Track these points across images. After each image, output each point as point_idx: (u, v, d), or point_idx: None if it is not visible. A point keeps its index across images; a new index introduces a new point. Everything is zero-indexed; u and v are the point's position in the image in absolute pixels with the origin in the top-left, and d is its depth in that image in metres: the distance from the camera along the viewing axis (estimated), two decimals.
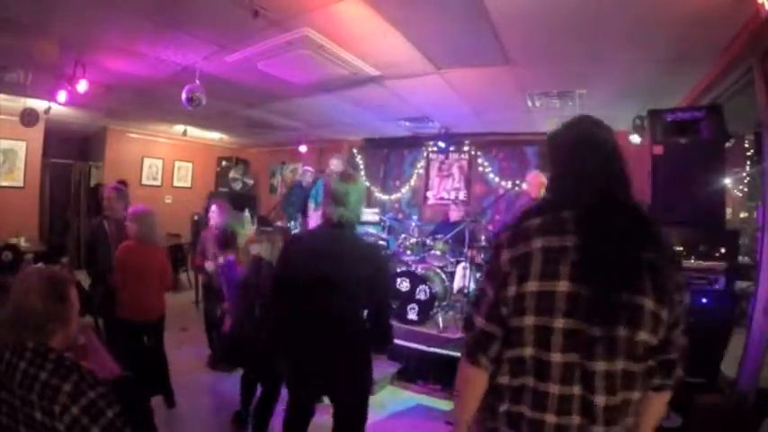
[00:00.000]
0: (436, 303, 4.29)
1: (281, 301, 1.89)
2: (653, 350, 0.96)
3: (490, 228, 5.68)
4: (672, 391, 1.04)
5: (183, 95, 3.74)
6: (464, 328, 1.12)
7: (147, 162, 7.78)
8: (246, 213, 4.24)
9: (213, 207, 4.02)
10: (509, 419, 1.00)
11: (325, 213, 1.84)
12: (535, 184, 3.99)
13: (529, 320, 0.96)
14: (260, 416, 2.58)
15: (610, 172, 1.02)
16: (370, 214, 6.45)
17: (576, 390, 0.93)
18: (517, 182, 5.83)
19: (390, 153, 7.33)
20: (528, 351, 0.97)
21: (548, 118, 4.92)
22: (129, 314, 2.85)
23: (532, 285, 0.95)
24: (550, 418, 0.94)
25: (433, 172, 6.98)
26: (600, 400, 0.92)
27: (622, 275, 0.92)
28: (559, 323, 0.93)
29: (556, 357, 0.94)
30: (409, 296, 4.34)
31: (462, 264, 4.70)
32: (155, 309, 2.98)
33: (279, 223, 5.85)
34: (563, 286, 0.93)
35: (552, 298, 0.93)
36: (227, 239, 2.92)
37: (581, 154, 1.05)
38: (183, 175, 8.42)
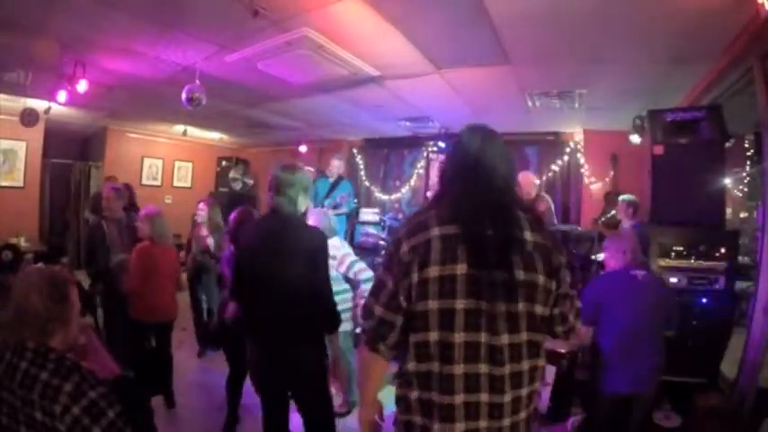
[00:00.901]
0: None
1: (240, 290, 2.01)
2: (553, 320, 1.12)
3: None
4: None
5: (183, 95, 3.73)
6: (362, 317, 1.18)
7: (147, 162, 7.78)
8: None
9: (201, 205, 4.16)
10: (421, 407, 1.03)
11: (268, 202, 1.99)
12: (526, 183, 4.01)
13: (433, 305, 1.01)
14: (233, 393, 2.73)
15: (499, 174, 1.13)
16: (370, 214, 6.45)
17: (483, 368, 0.98)
18: None
19: (390, 153, 7.33)
20: (433, 336, 1.01)
21: (548, 118, 4.93)
22: (140, 315, 2.83)
23: (434, 271, 1.01)
24: (459, 399, 0.98)
25: (433, 172, 6.96)
26: (506, 369, 0.99)
27: (508, 256, 1.02)
28: (461, 304, 0.99)
29: (459, 338, 0.98)
30: None
31: None
32: (168, 310, 2.97)
33: None
34: (462, 269, 1.00)
35: (453, 281, 1.00)
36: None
37: (474, 161, 1.13)
38: (183, 175, 8.42)
